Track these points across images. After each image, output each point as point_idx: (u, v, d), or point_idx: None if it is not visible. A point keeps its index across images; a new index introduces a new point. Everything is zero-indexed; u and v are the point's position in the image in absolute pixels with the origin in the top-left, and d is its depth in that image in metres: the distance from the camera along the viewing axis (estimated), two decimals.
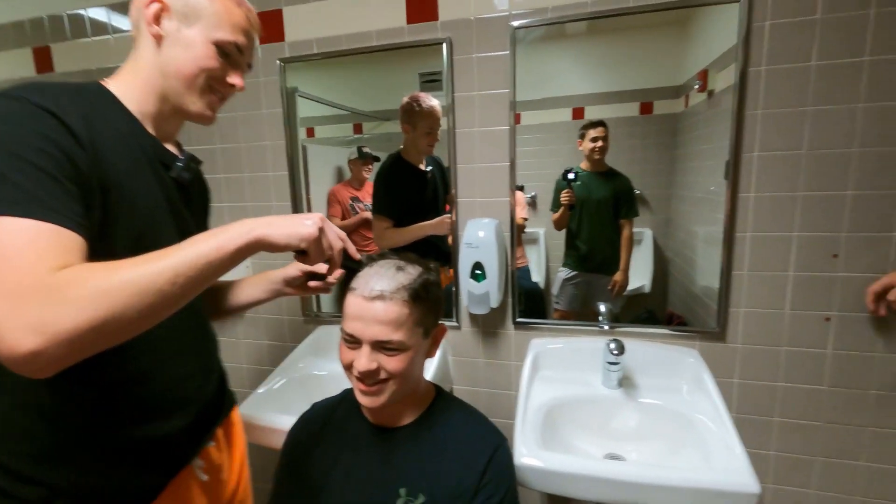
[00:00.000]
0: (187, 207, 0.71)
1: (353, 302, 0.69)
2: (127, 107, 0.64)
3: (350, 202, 1.43)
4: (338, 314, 1.44)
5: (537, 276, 1.32)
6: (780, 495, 1.17)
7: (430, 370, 1.14)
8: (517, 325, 1.29)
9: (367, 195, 1.41)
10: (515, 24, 1.13)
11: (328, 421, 0.81)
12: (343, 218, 1.42)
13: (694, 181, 1.14)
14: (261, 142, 1.39)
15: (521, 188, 1.24)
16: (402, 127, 1.30)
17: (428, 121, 1.27)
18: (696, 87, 1.10)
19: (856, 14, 0.95)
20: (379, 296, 0.67)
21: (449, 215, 1.29)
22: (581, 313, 1.29)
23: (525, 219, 1.28)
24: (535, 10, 1.12)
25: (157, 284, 0.47)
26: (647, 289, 1.25)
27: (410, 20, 1.21)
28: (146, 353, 0.63)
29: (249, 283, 0.90)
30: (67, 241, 0.48)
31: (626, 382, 1.14)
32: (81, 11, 1.48)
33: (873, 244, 1.02)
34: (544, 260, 1.31)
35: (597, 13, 1.09)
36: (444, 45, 1.19)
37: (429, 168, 1.34)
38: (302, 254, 0.61)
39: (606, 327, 1.20)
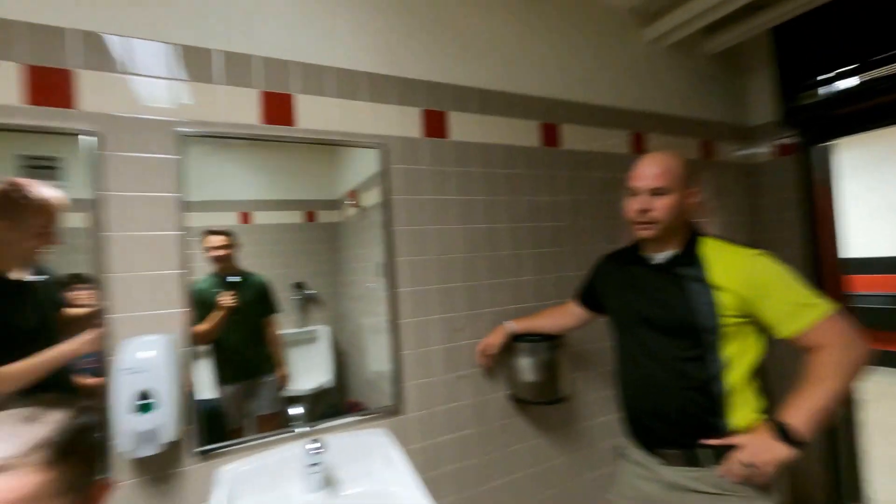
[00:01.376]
0: None
1: None
2: None
3: None
4: None
5: (207, 393, 1.18)
6: None
7: None
8: (199, 457, 1.09)
9: None
10: (184, 130, 1.10)
11: None
12: None
13: (356, 280, 1.36)
14: None
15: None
16: None
17: (40, 217, 0.96)
18: (350, 202, 1.36)
19: (447, 170, 1.46)
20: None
21: (100, 330, 1.01)
22: (259, 423, 1.22)
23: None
24: (205, 123, 1.14)
25: None
26: (331, 383, 1.33)
27: (35, 101, 0.98)
28: None
29: None
30: None
31: (328, 480, 1.14)
32: None
33: (476, 319, 1.48)
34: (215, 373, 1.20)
35: (259, 136, 1.20)
36: (93, 139, 1.01)
37: (42, 277, 1.01)
38: None
39: (299, 430, 1.19)
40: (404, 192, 1.39)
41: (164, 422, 0.99)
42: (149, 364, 0.99)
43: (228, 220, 1.19)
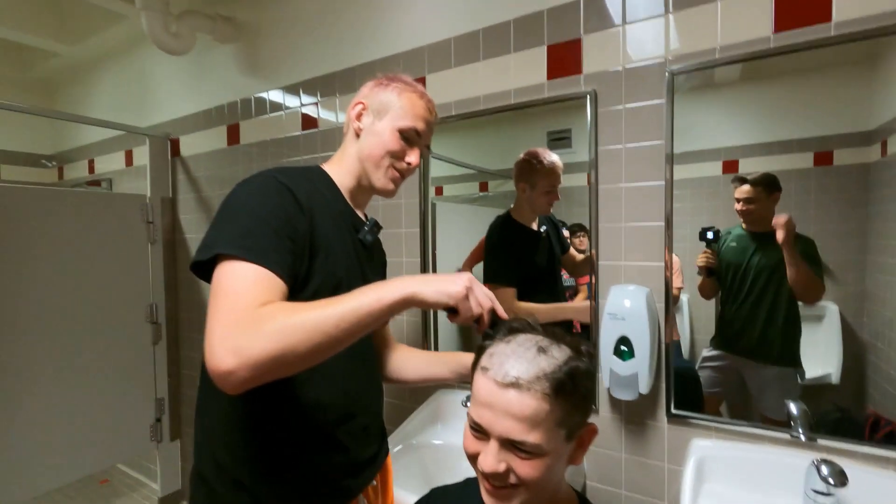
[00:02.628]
0: (369, 263, 0.82)
1: (483, 385, 0.58)
2: (336, 184, 0.80)
3: None
4: None
5: (686, 354, 1.10)
6: None
7: None
8: (672, 419, 1.05)
9: None
10: (674, 68, 1.01)
11: None
12: None
13: None
14: (396, 200, 1.44)
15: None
16: (518, 185, 1.25)
17: (549, 178, 1.20)
18: None
19: None
20: (513, 383, 0.55)
21: (590, 301, 1.14)
22: (728, 404, 1.05)
23: (680, 289, 1.07)
24: (697, 53, 0.99)
25: (324, 326, 0.54)
26: (835, 379, 0.96)
27: (551, 76, 1.16)
28: (325, 383, 0.72)
29: (436, 359, 0.93)
30: (275, 284, 0.60)
31: None
32: (264, 94, 1.76)
33: None
34: (688, 332, 1.10)
35: (770, 51, 0.92)
36: (588, 98, 1.11)
37: (542, 228, 1.25)
38: (453, 312, 0.65)
39: (803, 438, 0.91)
40: None
41: (640, 372, 1.00)
42: (628, 313, 1.01)
43: (710, 170, 1.04)
